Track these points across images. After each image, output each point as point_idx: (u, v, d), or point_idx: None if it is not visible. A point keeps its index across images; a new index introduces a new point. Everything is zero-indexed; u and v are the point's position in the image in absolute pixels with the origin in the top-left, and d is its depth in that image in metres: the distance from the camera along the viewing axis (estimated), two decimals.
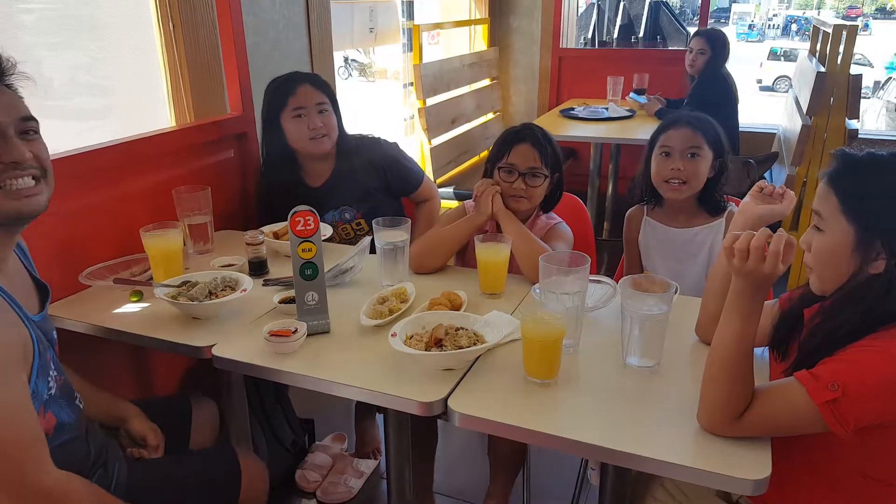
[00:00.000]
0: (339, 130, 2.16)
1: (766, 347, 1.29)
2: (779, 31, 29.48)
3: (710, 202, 1.90)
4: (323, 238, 1.88)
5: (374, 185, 2.21)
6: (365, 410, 2.36)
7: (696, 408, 1.15)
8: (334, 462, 2.29)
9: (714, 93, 3.79)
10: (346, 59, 10.67)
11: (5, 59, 1.18)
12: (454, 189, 3.80)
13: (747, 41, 26.37)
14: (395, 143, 2.31)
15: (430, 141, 3.88)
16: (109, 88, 2.29)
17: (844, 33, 3.31)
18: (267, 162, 2.21)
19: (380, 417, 2.38)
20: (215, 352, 1.41)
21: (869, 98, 11.15)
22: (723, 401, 1.10)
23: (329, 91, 2.14)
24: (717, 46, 3.82)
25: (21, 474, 1.04)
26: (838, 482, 1.20)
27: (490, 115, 4.87)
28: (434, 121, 3.93)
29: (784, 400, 1.08)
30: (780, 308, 1.29)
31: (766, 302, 1.31)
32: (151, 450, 1.47)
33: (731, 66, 4.03)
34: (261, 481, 1.52)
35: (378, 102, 7.60)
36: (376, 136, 2.31)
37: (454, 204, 3.52)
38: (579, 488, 2.17)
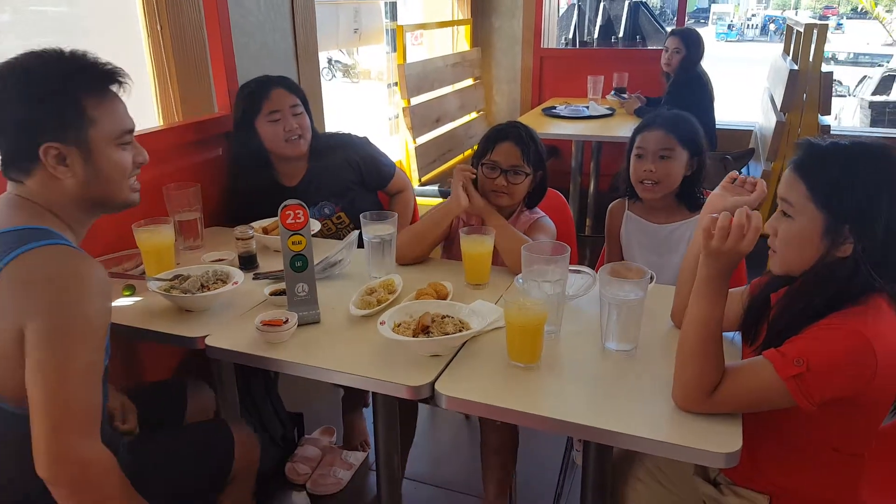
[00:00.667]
0: (313, 130, 2.22)
1: (739, 332, 1.36)
2: (757, 31, 29.82)
3: (689, 198, 1.95)
4: (312, 233, 1.94)
5: (350, 179, 2.27)
6: (352, 404, 2.41)
7: (670, 389, 1.21)
8: (323, 454, 2.33)
9: (690, 90, 3.86)
10: (329, 61, 10.68)
11: (117, 69, 1.28)
12: (438, 187, 3.86)
13: (727, 41, 26.65)
14: (366, 138, 2.37)
15: (414, 140, 3.93)
16: None
17: (815, 32, 3.40)
18: (237, 165, 2.24)
19: (367, 411, 2.43)
20: (209, 342, 1.45)
21: (845, 97, 11.32)
22: (695, 379, 1.16)
23: (301, 93, 2.19)
24: (691, 45, 3.89)
25: (69, 436, 1.10)
26: (811, 456, 1.26)
27: (473, 115, 4.93)
28: (418, 120, 3.99)
29: (753, 376, 1.14)
30: (750, 293, 1.35)
31: (736, 289, 1.38)
32: (119, 421, 1.50)
33: (712, 65, 4.11)
34: (253, 451, 1.59)
35: (362, 103, 7.64)
36: (345, 132, 2.37)
37: (438, 202, 3.58)
38: (564, 471, 2.23)
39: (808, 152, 1.18)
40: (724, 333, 1.19)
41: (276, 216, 1.49)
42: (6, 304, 1.11)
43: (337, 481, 2.23)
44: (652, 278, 1.39)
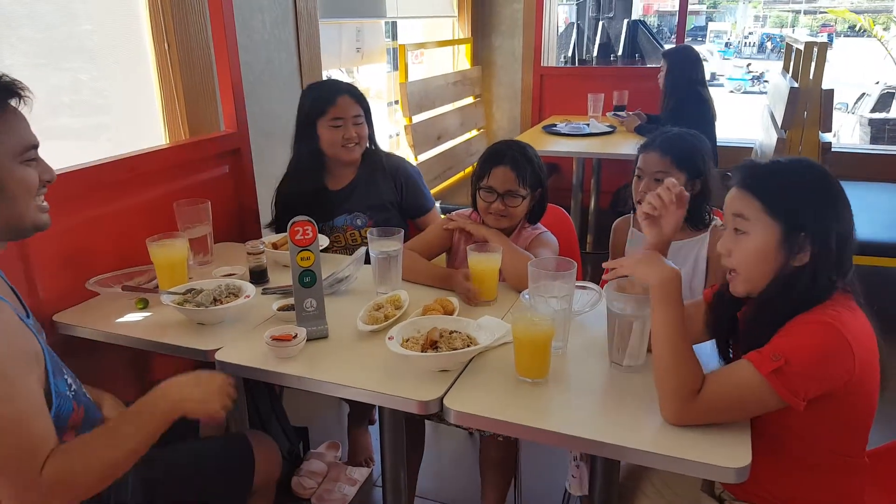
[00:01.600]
0: (371, 139, 2.25)
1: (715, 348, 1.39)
2: (755, 49, 30.02)
3: (691, 219, 1.89)
4: (321, 248, 1.95)
5: (389, 197, 2.29)
6: (357, 420, 2.42)
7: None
8: (329, 469, 2.33)
9: (688, 108, 3.84)
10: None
11: (15, 81, 1.23)
12: (440, 204, 3.87)
13: (724, 59, 26.81)
14: (418, 169, 2.41)
15: (416, 157, 3.96)
16: (106, 106, 2.35)
17: (816, 50, 3.44)
18: (296, 164, 2.26)
19: (373, 428, 2.44)
20: (219, 356, 1.46)
21: (843, 113, 11.39)
22: (674, 387, 1.18)
23: (365, 102, 2.22)
24: (675, 63, 3.89)
25: (25, 475, 1.09)
26: (811, 465, 1.27)
27: (474, 132, 4.97)
28: (420, 137, 4.02)
29: (734, 377, 1.16)
30: (706, 301, 1.41)
31: (692, 301, 1.44)
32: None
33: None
34: (274, 462, 1.59)
35: None
36: (403, 157, 2.42)
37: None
38: (568, 495, 2.23)
39: (752, 170, 1.24)
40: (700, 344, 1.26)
41: (318, 218, 1.50)
42: None
43: (342, 497, 2.23)
44: None
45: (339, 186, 2.27)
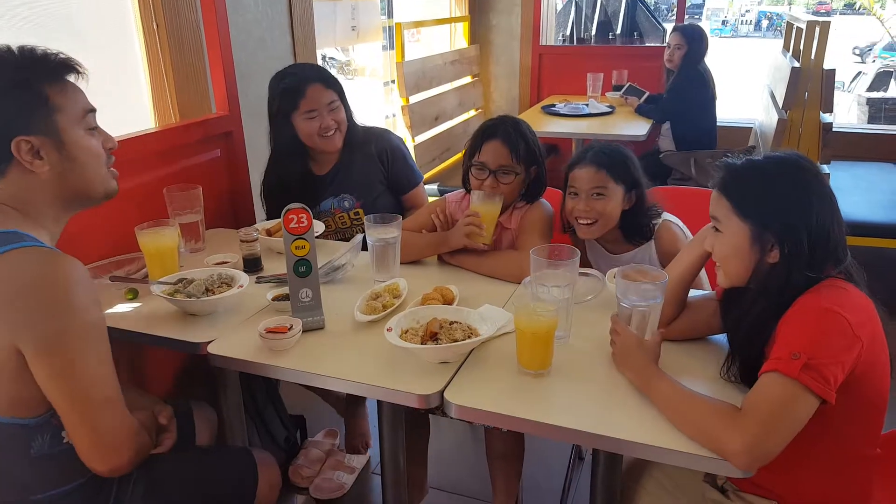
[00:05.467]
0: (349, 121, 2.18)
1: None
2: (751, 27, 29.82)
3: (633, 232, 1.85)
4: (315, 235, 1.91)
5: (375, 175, 2.23)
6: (353, 401, 2.38)
7: None
8: (327, 458, 2.31)
9: (692, 88, 3.85)
10: (324, 58, 10.63)
11: (72, 58, 1.27)
12: (438, 186, 3.83)
13: (721, 37, 26.62)
14: (402, 138, 2.35)
15: (413, 138, 3.90)
16: (88, 89, 2.27)
17: (818, 29, 3.38)
18: (276, 155, 2.21)
19: (370, 408, 2.40)
20: (211, 349, 1.42)
21: (840, 91, 11.32)
22: (711, 423, 1.11)
23: (338, 85, 2.14)
24: (693, 41, 3.87)
25: (107, 425, 1.16)
26: (819, 459, 1.23)
27: (472, 112, 4.90)
28: (417, 118, 3.95)
29: (767, 395, 1.10)
30: (718, 298, 1.40)
31: (704, 293, 1.46)
32: (169, 437, 1.45)
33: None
34: (275, 478, 1.55)
35: (359, 100, 7.58)
36: (386, 128, 2.34)
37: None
38: (570, 474, 2.22)
39: (727, 172, 1.29)
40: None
41: (305, 204, 1.46)
42: None
43: (340, 486, 2.20)
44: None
45: (324, 171, 2.22)
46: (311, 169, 2.22)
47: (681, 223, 1.87)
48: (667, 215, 1.86)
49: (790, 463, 1.22)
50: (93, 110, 1.29)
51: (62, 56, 1.25)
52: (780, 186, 1.22)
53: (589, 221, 1.79)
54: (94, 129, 1.29)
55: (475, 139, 1.85)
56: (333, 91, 2.11)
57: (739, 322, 1.28)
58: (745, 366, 1.26)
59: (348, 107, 2.18)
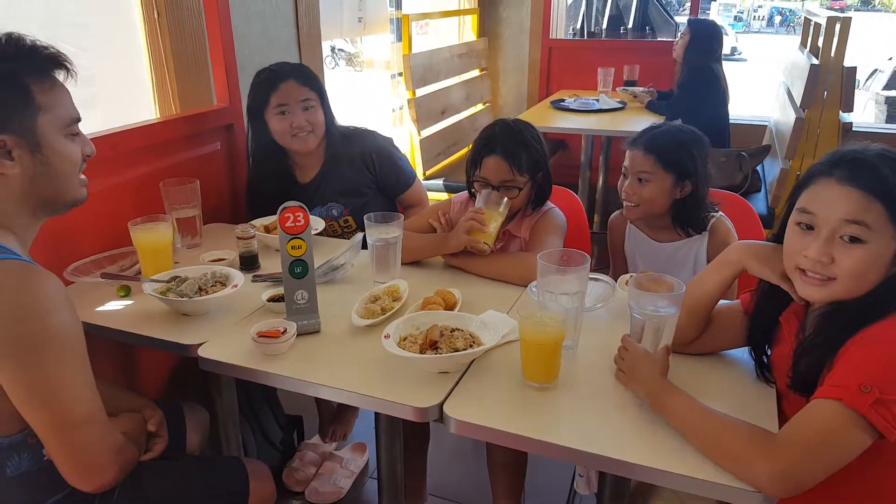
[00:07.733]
0: (328, 125, 2.08)
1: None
2: (763, 23, 29.57)
3: (684, 223, 1.81)
4: (314, 232, 1.84)
5: (363, 180, 2.15)
6: None
7: None
8: (323, 460, 2.25)
9: (701, 84, 3.71)
10: (332, 49, 10.56)
11: (61, 53, 1.20)
12: (444, 181, 3.76)
13: (734, 32, 26.40)
14: (390, 139, 2.25)
15: (419, 132, 3.82)
16: (90, 78, 2.22)
17: (838, 25, 3.29)
18: (255, 156, 2.14)
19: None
20: (201, 352, 1.36)
21: (856, 89, 11.17)
22: (739, 445, 1.03)
23: (316, 84, 2.05)
24: (700, 34, 3.74)
25: (88, 445, 1.12)
26: (862, 498, 1.16)
27: (479, 107, 4.82)
28: (424, 112, 3.88)
29: (815, 422, 1.01)
30: (742, 306, 1.31)
31: (730, 302, 1.36)
32: (160, 442, 1.42)
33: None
34: (268, 491, 1.49)
35: (366, 92, 7.52)
36: (371, 129, 2.24)
37: (444, 196, 3.48)
38: (573, 493, 2.15)
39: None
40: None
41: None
42: None
43: (337, 490, 2.15)
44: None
45: (307, 179, 2.14)
46: (294, 176, 2.14)
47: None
48: (723, 215, 1.83)
49: (817, 497, 1.15)
50: (78, 119, 1.22)
51: (52, 50, 1.18)
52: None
53: (632, 204, 1.80)
54: (76, 135, 1.23)
55: (475, 150, 1.78)
56: (310, 90, 2.02)
57: (807, 341, 1.15)
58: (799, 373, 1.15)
59: (329, 111, 2.09)
